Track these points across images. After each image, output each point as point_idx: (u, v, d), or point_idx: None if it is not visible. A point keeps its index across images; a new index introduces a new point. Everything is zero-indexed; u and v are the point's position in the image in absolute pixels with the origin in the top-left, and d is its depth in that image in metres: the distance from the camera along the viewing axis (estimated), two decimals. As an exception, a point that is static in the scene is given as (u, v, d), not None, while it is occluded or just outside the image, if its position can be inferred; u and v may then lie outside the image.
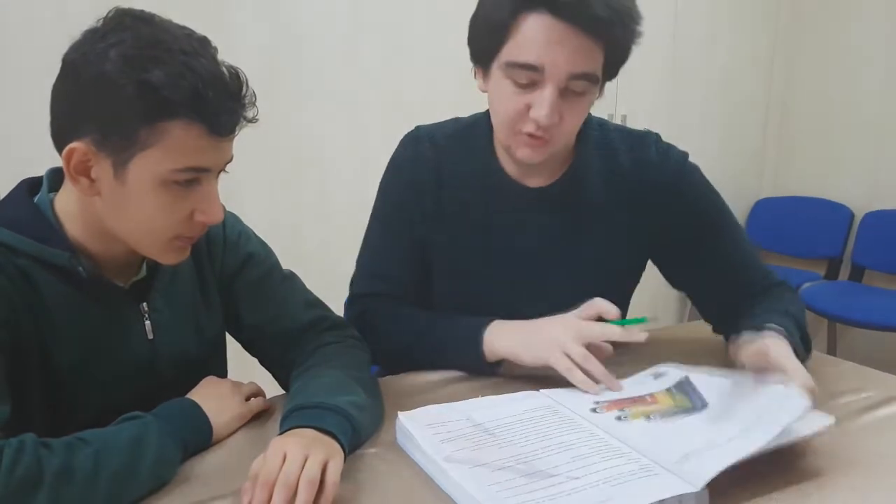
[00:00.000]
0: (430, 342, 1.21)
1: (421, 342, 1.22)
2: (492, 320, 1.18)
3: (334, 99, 2.62)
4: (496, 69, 1.11)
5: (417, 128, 1.31)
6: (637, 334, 1.09)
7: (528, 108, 1.08)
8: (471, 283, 1.27)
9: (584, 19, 1.02)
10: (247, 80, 0.90)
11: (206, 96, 0.85)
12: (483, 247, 1.26)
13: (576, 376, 1.07)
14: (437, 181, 1.25)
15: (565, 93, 1.07)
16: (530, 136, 1.10)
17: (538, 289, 1.25)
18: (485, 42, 1.11)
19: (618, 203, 1.24)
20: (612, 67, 1.11)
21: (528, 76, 1.06)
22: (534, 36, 1.05)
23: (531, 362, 1.12)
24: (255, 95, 0.91)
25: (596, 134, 1.25)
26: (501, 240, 1.25)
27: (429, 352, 1.21)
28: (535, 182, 1.23)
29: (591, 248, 1.26)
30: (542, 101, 1.06)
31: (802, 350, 1.09)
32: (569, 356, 1.08)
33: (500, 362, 1.18)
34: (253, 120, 0.92)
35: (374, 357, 1.19)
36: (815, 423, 0.90)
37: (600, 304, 1.13)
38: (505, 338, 1.16)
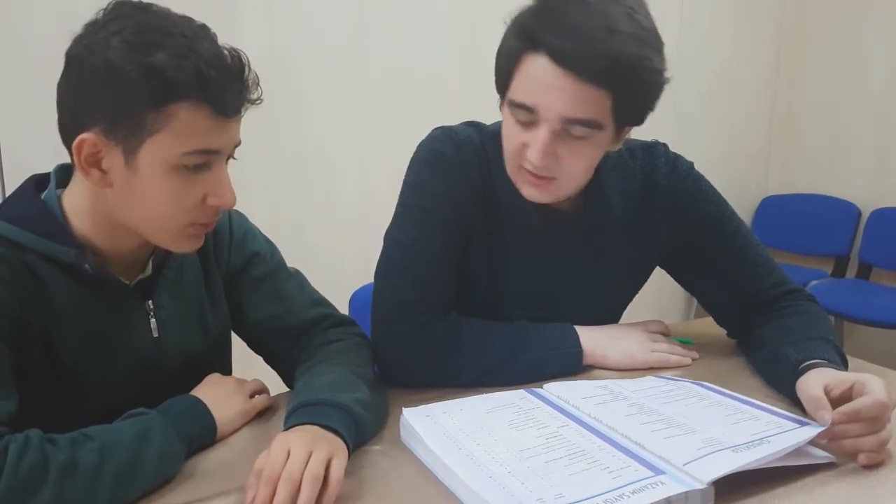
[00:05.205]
0: (525, 356, 1.18)
1: (515, 357, 1.18)
2: (571, 327, 1.24)
3: (338, 98, 2.62)
4: (505, 105, 1.10)
5: (453, 129, 1.22)
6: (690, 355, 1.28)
7: (526, 146, 1.07)
8: (492, 300, 1.26)
9: (581, 68, 1.00)
10: (248, 61, 0.91)
11: (210, 76, 0.85)
12: (507, 266, 1.24)
13: (671, 359, 1.25)
14: (481, 190, 1.21)
15: (563, 135, 1.05)
16: (531, 173, 1.09)
17: (557, 306, 1.26)
18: (499, 77, 1.11)
19: (633, 217, 1.25)
20: (627, 114, 1.07)
21: (526, 116, 1.06)
22: (532, 78, 1.04)
23: (618, 361, 1.24)
24: (257, 77, 0.92)
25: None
26: (525, 259, 1.24)
27: (521, 367, 1.17)
28: (560, 203, 1.20)
29: (610, 264, 1.27)
30: (536, 142, 1.05)
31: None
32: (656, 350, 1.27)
33: None
34: (257, 101, 0.92)
35: (433, 377, 1.15)
36: (819, 454, 0.91)
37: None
38: (597, 344, 1.23)
